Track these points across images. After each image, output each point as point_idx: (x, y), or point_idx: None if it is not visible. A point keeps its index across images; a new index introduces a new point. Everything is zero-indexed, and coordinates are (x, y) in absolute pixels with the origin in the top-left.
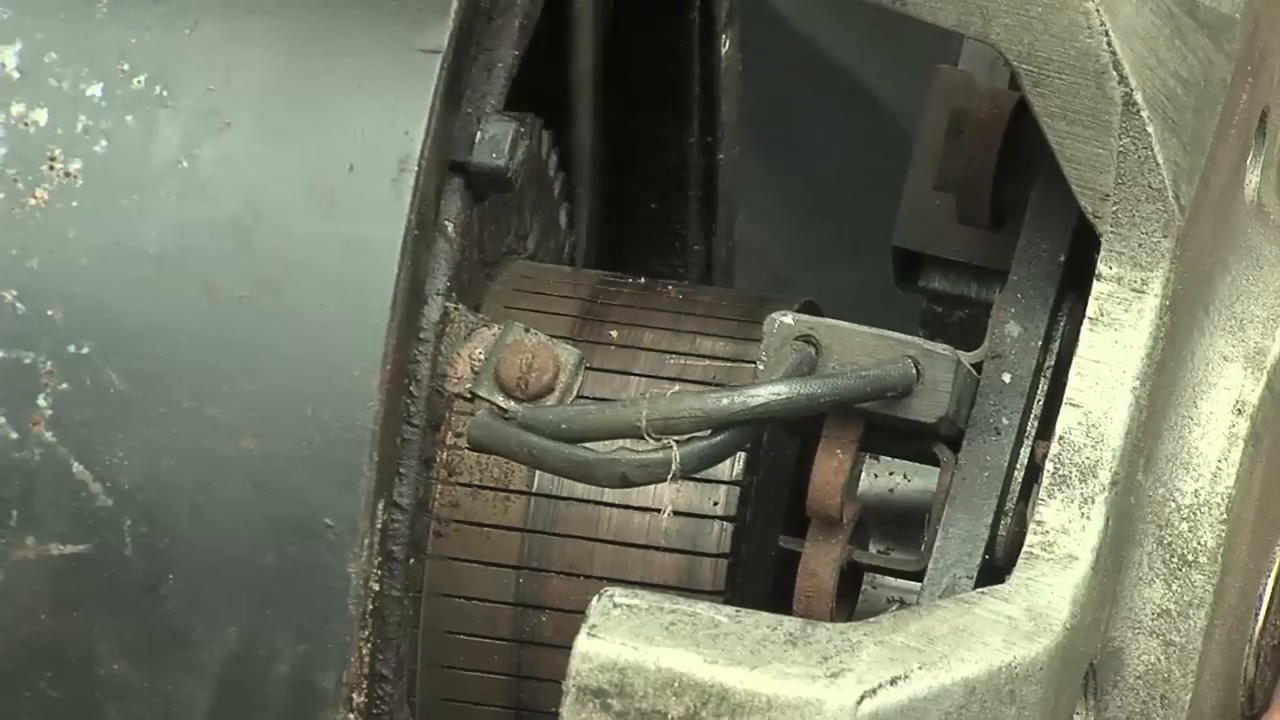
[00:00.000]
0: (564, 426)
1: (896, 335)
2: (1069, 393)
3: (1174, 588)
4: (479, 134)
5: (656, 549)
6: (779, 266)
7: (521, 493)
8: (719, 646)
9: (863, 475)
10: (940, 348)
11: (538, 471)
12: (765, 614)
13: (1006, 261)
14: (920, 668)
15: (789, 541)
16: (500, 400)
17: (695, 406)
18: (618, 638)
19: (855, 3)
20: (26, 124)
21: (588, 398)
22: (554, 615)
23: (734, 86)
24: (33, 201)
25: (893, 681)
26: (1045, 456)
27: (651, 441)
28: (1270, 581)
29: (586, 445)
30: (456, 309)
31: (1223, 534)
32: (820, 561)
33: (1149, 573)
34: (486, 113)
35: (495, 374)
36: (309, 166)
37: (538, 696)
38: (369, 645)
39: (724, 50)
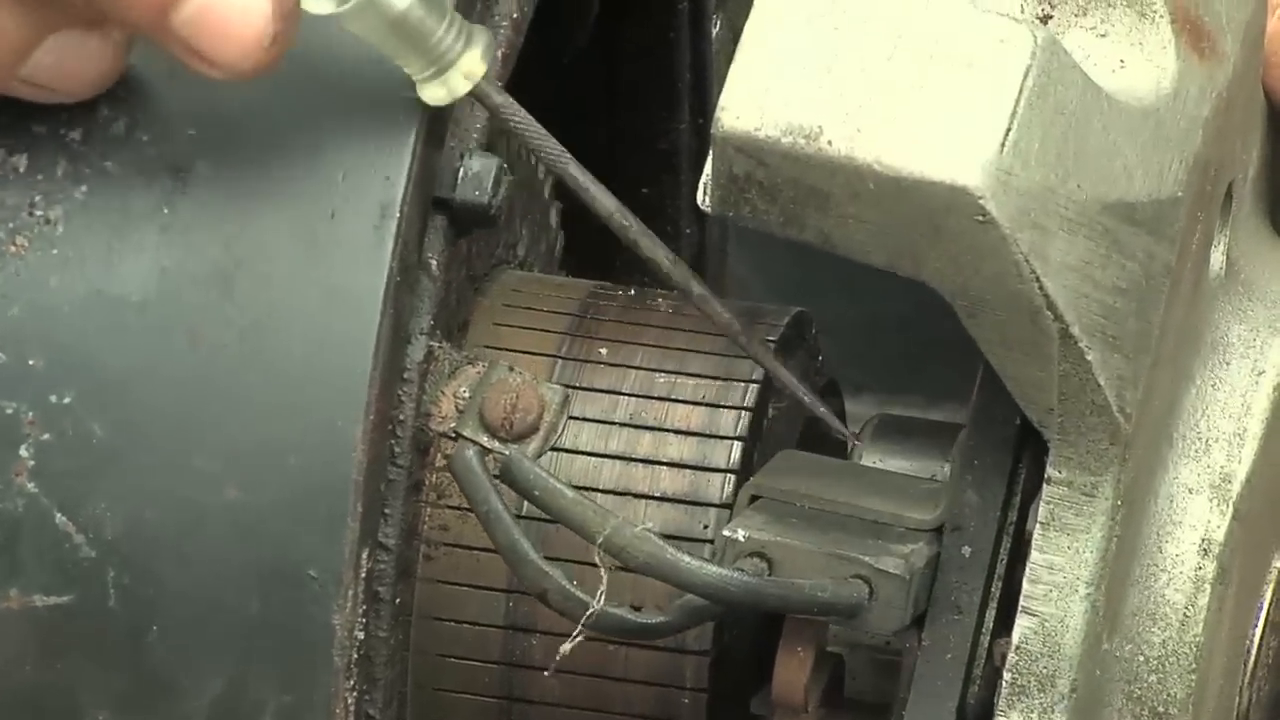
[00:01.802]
0: (536, 493)
1: (851, 554)
2: (1023, 600)
3: None
4: (462, 170)
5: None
6: (760, 298)
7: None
8: None
9: None
10: (892, 565)
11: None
12: None
13: None
14: None
15: (759, 706)
16: (485, 440)
17: (652, 554)
18: None
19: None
20: (6, 170)
21: (576, 418)
22: (544, 639)
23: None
24: (13, 249)
25: None
26: (1004, 658)
27: (600, 561)
28: (1265, 600)
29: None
30: (440, 347)
31: (1192, 683)
32: None
33: None
34: (470, 148)
35: (480, 414)
36: (291, 213)
37: (529, 719)
38: (354, 694)
39: (715, 32)
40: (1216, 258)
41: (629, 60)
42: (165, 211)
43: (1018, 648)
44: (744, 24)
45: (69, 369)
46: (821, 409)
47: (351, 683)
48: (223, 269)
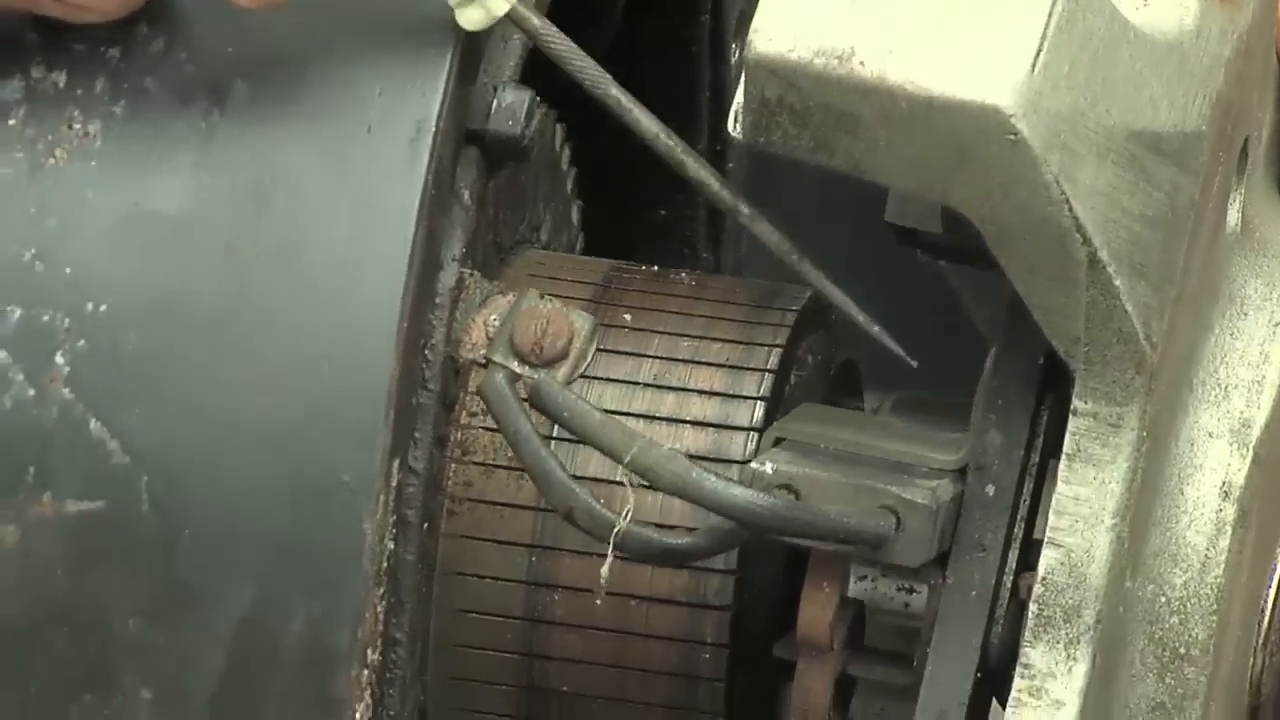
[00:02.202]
0: (565, 414)
1: (878, 485)
2: (1049, 532)
3: (1167, 681)
4: (495, 102)
5: (671, 527)
6: None
7: None
8: None
9: None
10: (921, 494)
11: (552, 449)
12: None
13: None
14: None
15: (782, 650)
16: (515, 366)
17: (678, 473)
18: None
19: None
20: (46, 85)
21: (600, 378)
22: (566, 594)
23: None
24: (51, 161)
25: None
26: (1029, 590)
27: (624, 477)
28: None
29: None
30: (471, 276)
31: (1214, 625)
32: (814, 678)
33: (1142, 669)
34: (502, 82)
35: (510, 339)
36: (327, 129)
37: (549, 675)
38: (383, 604)
39: (734, 58)
40: (1233, 215)
41: (648, 77)
42: (203, 127)
43: (1043, 580)
44: None
45: (105, 279)
46: (876, 328)
47: (381, 591)
48: (258, 184)
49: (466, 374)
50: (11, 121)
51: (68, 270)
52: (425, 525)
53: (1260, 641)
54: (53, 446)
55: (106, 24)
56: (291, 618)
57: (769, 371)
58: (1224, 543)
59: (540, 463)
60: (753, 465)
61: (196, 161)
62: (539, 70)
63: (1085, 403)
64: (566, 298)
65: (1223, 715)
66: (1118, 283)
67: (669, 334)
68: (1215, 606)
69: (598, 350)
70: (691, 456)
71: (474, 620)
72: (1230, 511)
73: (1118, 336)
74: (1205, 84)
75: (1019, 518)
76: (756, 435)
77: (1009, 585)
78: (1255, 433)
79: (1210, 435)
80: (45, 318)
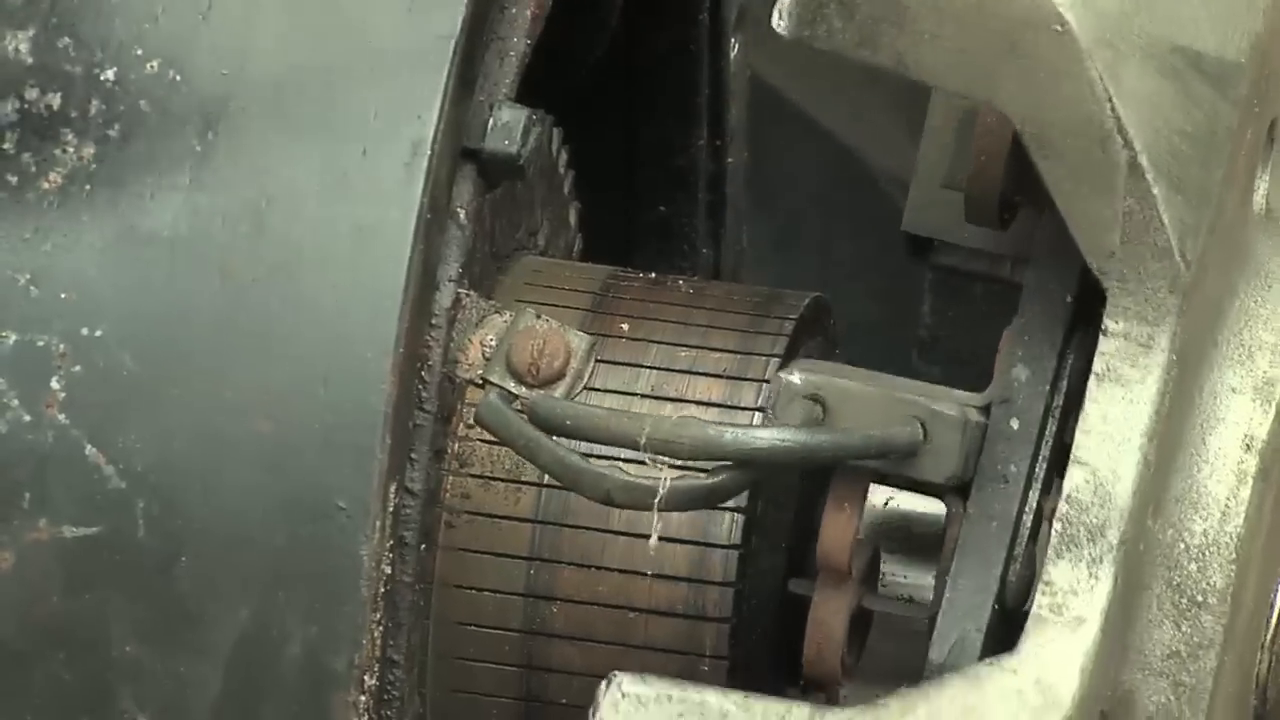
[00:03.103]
0: (568, 423)
1: (906, 395)
2: (1076, 450)
3: (1184, 629)
4: (491, 121)
5: (669, 541)
6: None
7: (533, 484)
8: None
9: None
10: (949, 406)
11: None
12: (773, 702)
13: (1015, 248)
14: None
15: (798, 585)
16: (511, 386)
17: (697, 435)
18: None
19: (857, 64)
20: (40, 108)
21: (598, 389)
22: (565, 606)
23: (743, 91)
24: (46, 185)
25: None
26: (1054, 512)
27: (649, 460)
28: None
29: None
30: (468, 295)
31: (1232, 574)
32: (830, 610)
33: (1159, 615)
34: (499, 100)
35: (506, 359)
36: (322, 151)
37: (548, 687)
38: (380, 629)
39: (733, 54)
40: (1259, 197)
41: (648, 74)
42: (198, 150)
43: (1068, 497)
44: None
45: (100, 303)
46: None
47: (378, 616)
48: (254, 206)
49: (464, 387)
50: (5, 145)
51: (63, 294)
52: (422, 545)
53: (1269, 638)
54: (49, 471)
55: (102, 45)
56: (288, 641)
57: (766, 382)
58: (1245, 493)
59: (562, 460)
60: (780, 375)
61: (192, 184)
62: (540, 70)
63: (1117, 322)
64: (564, 307)
65: (1230, 710)
66: (1156, 191)
67: (666, 344)
68: (1234, 555)
69: (595, 361)
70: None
71: (472, 633)
72: (1252, 463)
73: (1152, 251)
74: (1245, 23)
75: (1042, 456)
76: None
77: (1029, 521)
78: (1278, 391)
79: (1234, 390)
80: (40, 342)
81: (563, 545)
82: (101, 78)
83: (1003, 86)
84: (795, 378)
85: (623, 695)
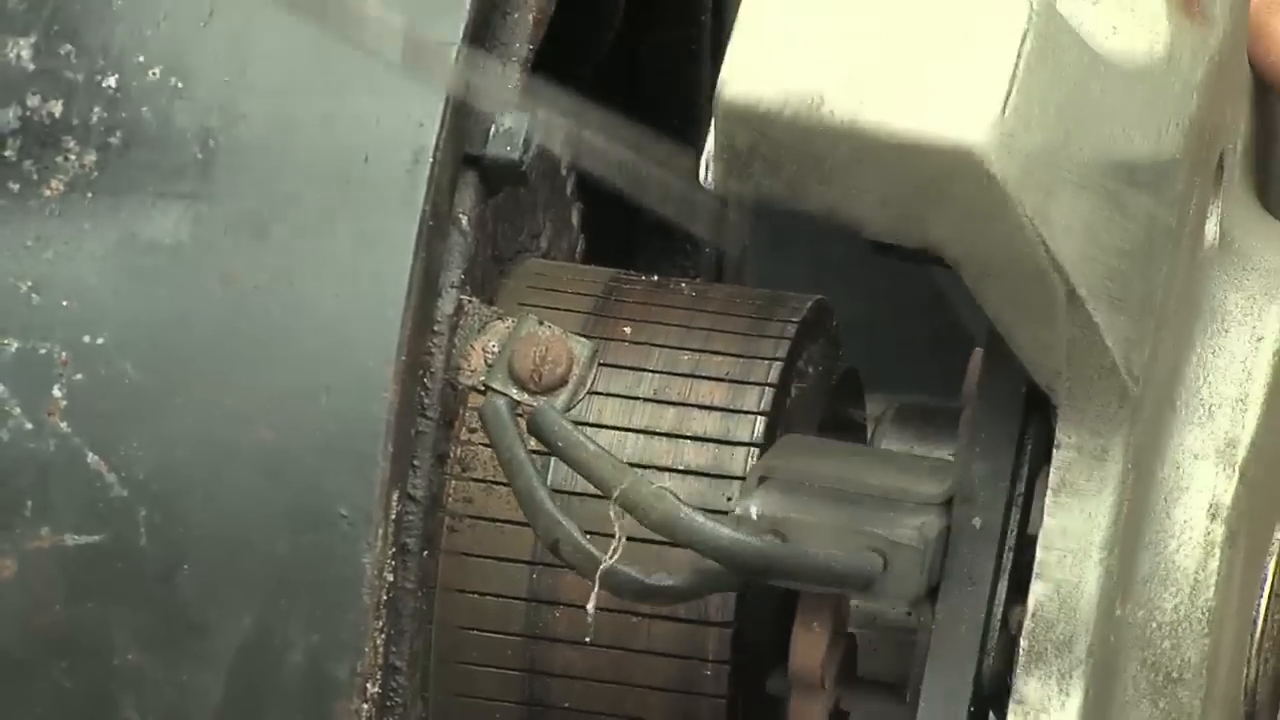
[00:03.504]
0: (559, 445)
1: (864, 527)
2: (1038, 566)
3: (1161, 706)
4: (493, 127)
5: (671, 545)
6: None
7: None
8: None
9: None
10: (907, 537)
11: (552, 466)
12: None
13: None
14: None
15: (776, 686)
16: (514, 393)
17: (667, 512)
18: None
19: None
20: (42, 115)
21: (601, 394)
22: (567, 611)
23: None
24: (48, 192)
25: None
26: (1020, 626)
27: (614, 516)
28: (1270, 568)
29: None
30: (470, 302)
31: (1206, 647)
32: (807, 713)
33: (1135, 695)
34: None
35: (509, 366)
36: (323, 157)
37: (550, 692)
38: (383, 636)
39: None
40: (1210, 228)
41: (649, 76)
42: (199, 157)
43: (1033, 614)
44: None
45: (102, 310)
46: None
47: (380, 624)
48: (256, 214)
49: (466, 392)
50: (7, 152)
51: (65, 302)
52: (425, 551)
53: (1254, 652)
54: (50, 479)
55: (103, 53)
56: (291, 649)
57: (769, 385)
58: (1213, 564)
59: (531, 492)
60: (737, 510)
61: (194, 191)
62: (542, 73)
63: (1070, 436)
64: (566, 311)
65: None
66: (1097, 319)
67: (669, 347)
68: (1206, 629)
69: (598, 366)
70: (691, 473)
71: (475, 637)
72: (1219, 532)
73: (1099, 371)
74: (1178, 110)
75: (1007, 548)
76: (757, 450)
77: (1000, 617)
78: (1241, 452)
79: (1195, 457)
80: (42, 350)
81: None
82: (103, 85)
83: (934, 231)
84: (752, 511)
85: None
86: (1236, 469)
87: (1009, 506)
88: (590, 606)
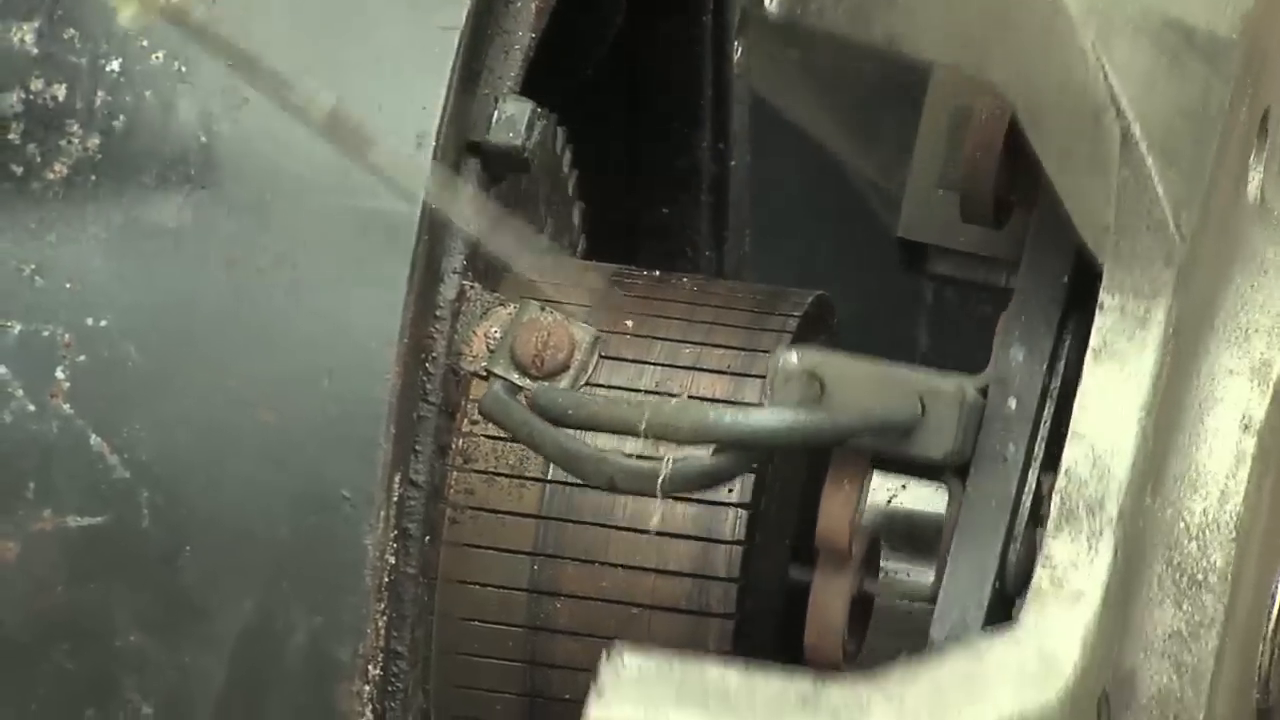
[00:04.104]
0: (570, 412)
1: (903, 372)
2: (1074, 425)
3: (1184, 608)
4: (496, 114)
5: (672, 536)
6: None
7: (537, 480)
8: (730, 710)
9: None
10: (946, 384)
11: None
12: (775, 674)
13: (1012, 252)
14: None
15: (798, 571)
16: (515, 378)
17: (697, 419)
18: (628, 705)
19: (844, 42)
20: (45, 99)
21: (602, 385)
22: (569, 602)
23: (746, 94)
24: (51, 176)
25: None
26: (1052, 489)
27: (648, 445)
28: None
29: (586, 436)
30: (472, 288)
31: (1232, 553)
32: (830, 593)
33: (1159, 594)
34: (503, 93)
35: (511, 351)
36: (325, 142)
37: (551, 683)
38: (384, 619)
39: (736, 57)
40: (1253, 187)
41: (650, 74)
42: (203, 140)
43: (1067, 472)
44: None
45: (105, 293)
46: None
47: (382, 606)
48: (259, 197)
49: (468, 382)
50: (10, 135)
51: (68, 285)
52: (427, 537)
53: (1270, 630)
54: (53, 461)
55: (107, 38)
56: (293, 631)
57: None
58: (1243, 473)
59: (564, 447)
60: (778, 353)
61: (196, 175)
62: (544, 70)
63: (1113, 297)
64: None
65: (1233, 693)
66: (1149, 162)
67: (671, 340)
68: (1234, 535)
69: (600, 357)
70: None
71: (476, 628)
72: (1250, 443)
73: (1147, 224)
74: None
75: (1040, 437)
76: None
77: (1029, 504)
78: (1276, 371)
79: (1231, 372)
80: (45, 332)
81: (566, 541)
82: (107, 69)
83: (995, 60)
84: (793, 357)
85: (624, 666)
86: (1271, 386)
87: (1044, 395)
88: (654, 524)
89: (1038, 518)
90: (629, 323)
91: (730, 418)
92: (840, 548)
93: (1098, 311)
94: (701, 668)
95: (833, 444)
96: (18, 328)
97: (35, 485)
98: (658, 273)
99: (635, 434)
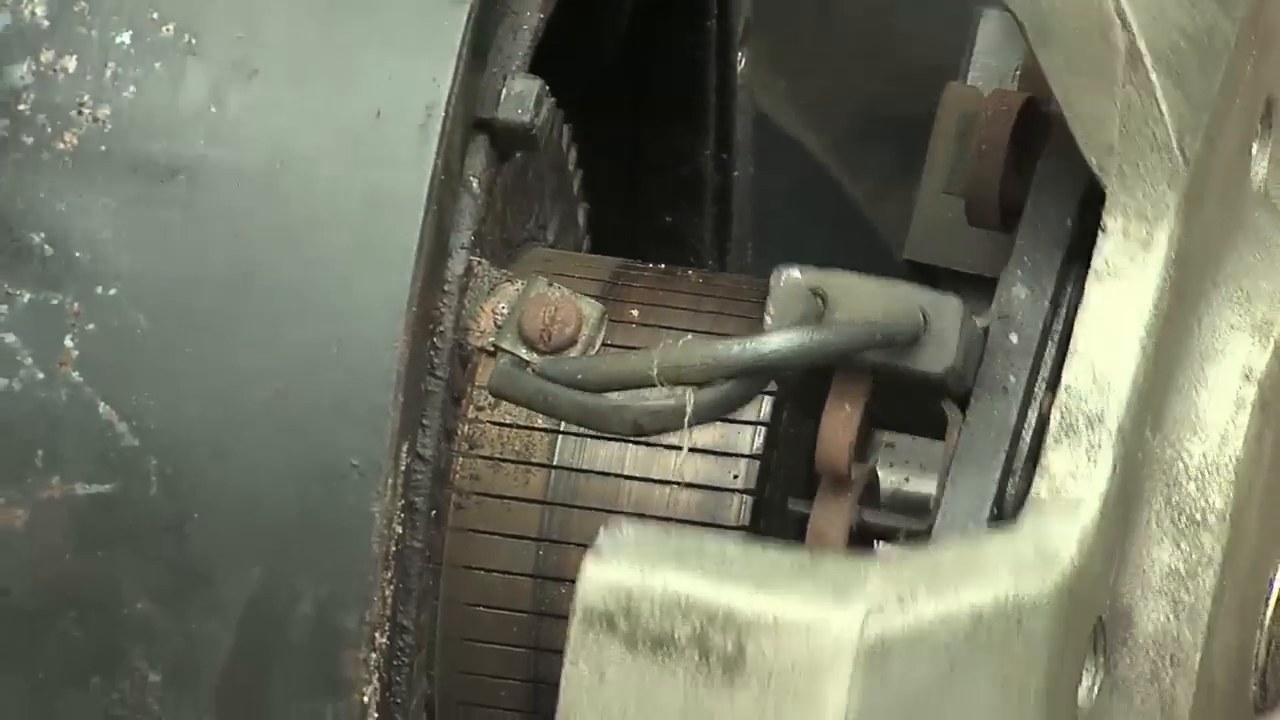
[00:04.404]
0: (580, 376)
1: (904, 286)
2: (1074, 343)
3: (1183, 547)
4: (504, 90)
5: (677, 521)
6: None
7: (542, 465)
8: (727, 571)
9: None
10: (948, 298)
11: (559, 444)
12: (773, 546)
13: None
14: (927, 593)
15: (797, 504)
16: (523, 352)
17: (707, 354)
18: (625, 562)
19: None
20: (56, 70)
21: None
22: (574, 588)
23: (749, 104)
24: (61, 146)
25: (899, 604)
26: (1051, 406)
27: (665, 390)
28: None
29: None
30: (480, 263)
31: (1231, 496)
32: (828, 522)
33: (1158, 532)
34: (511, 71)
35: (518, 326)
36: (336, 113)
37: (556, 669)
38: (391, 589)
39: (740, 67)
40: (1258, 170)
41: (654, 80)
42: (213, 111)
43: (1067, 388)
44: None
45: (114, 263)
46: None
47: (389, 574)
48: (268, 168)
49: (474, 369)
50: (22, 106)
51: (77, 254)
52: (433, 513)
53: (1267, 618)
54: (62, 429)
55: (118, 9)
56: (300, 599)
57: None
58: (1243, 419)
59: (583, 405)
60: (780, 270)
61: (206, 145)
62: (549, 79)
63: (1116, 220)
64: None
65: (1232, 656)
66: (1154, 79)
67: (676, 330)
68: (1233, 478)
69: (605, 345)
70: (698, 451)
71: (481, 614)
72: (1251, 392)
73: (1151, 144)
74: None
75: (1041, 376)
76: (764, 429)
77: (1029, 437)
78: (1277, 331)
79: (1232, 327)
80: (55, 301)
81: (572, 527)
82: (117, 40)
83: None
84: (795, 272)
85: (622, 534)
86: (1273, 341)
87: (1046, 333)
88: (685, 447)
89: (1037, 454)
90: (634, 313)
91: (739, 347)
92: (840, 471)
93: (1100, 235)
94: (700, 537)
95: (840, 360)
96: (27, 296)
97: (44, 453)
98: (663, 266)
99: (649, 383)
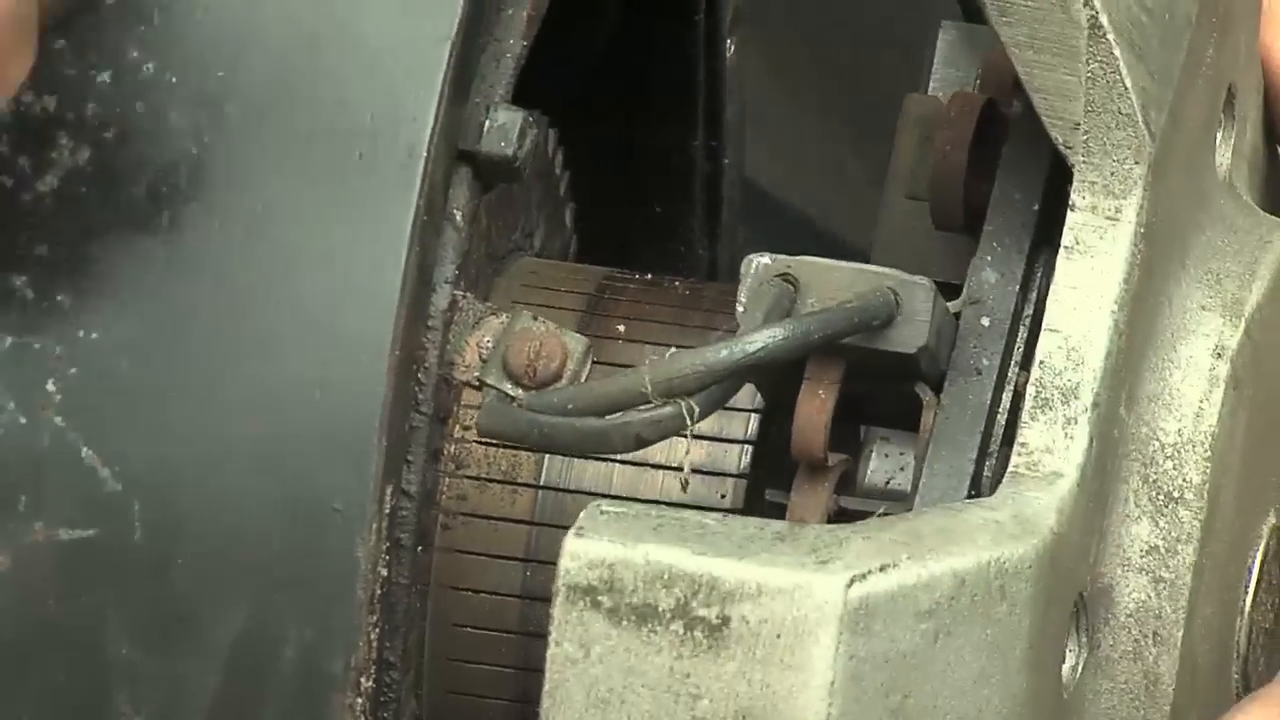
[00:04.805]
0: (570, 405)
1: (872, 268)
2: (1047, 319)
3: (1161, 524)
4: (487, 123)
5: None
6: None
7: (529, 485)
8: (708, 542)
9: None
10: (917, 278)
11: (545, 464)
12: (753, 517)
13: None
14: (909, 558)
15: (775, 495)
16: (508, 388)
17: (697, 363)
18: (605, 536)
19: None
20: (36, 110)
21: None
22: None
23: (739, 91)
24: (42, 188)
25: (881, 569)
26: (1026, 382)
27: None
28: (1259, 555)
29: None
30: (464, 297)
31: (1208, 471)
32: (806, 508)
33: (1135, 510)
34: (495, 102)
35: (503, 361)
36: (318, 153)
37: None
38: (376, 631)
39: (729, 55)
40: (1222, 158)
41: (644, 73)
42: (194, 152)
43: (1041, 363)
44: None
45: (96, 305)
46: None
47: (374, 618)
48: (250, 209)
49: (460, 390)
50: (1, 147)
51: (59, 297)
52: (419, 547)
53: (1248, 606)
54: (45, 474)
55: (97, 48)
56: (284, 644)
57: None
58: (1217, 396)
59: (582, 430)
60: (750, 258)
61: (188, 186)
62: (536, 69)
63: (1084, 197)
64: (560, 309)
65: (1213, 637)
66: (1117, 53)
67: (662, 345)
68: (1209, 453)
69: (591, 364)
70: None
71: (469, 634)
72: (1223, 369)
73: (1116, 120)
74: None
75: (1014, 360)
76: (750, 448)
77: (1003, 420)
78: (1248, 309)
79: (1203, 308)
80: (36, 345)
81: (558, 546)
82: (97, 80)
83: None
84: (765, 258)
85: (602, 512)
86: (1244, 320)
87: (1017, 317)
88: (686, 461)
89: (1013, 436)
90: (620, 328)
91: (726, 350)
92: (816, 455)
93: (1069, 213)
94: (680, 513)
95: (822, 347)
96: (9, 340)
97: (26, 498)
98: (650, 276)
99: (644, 400)
